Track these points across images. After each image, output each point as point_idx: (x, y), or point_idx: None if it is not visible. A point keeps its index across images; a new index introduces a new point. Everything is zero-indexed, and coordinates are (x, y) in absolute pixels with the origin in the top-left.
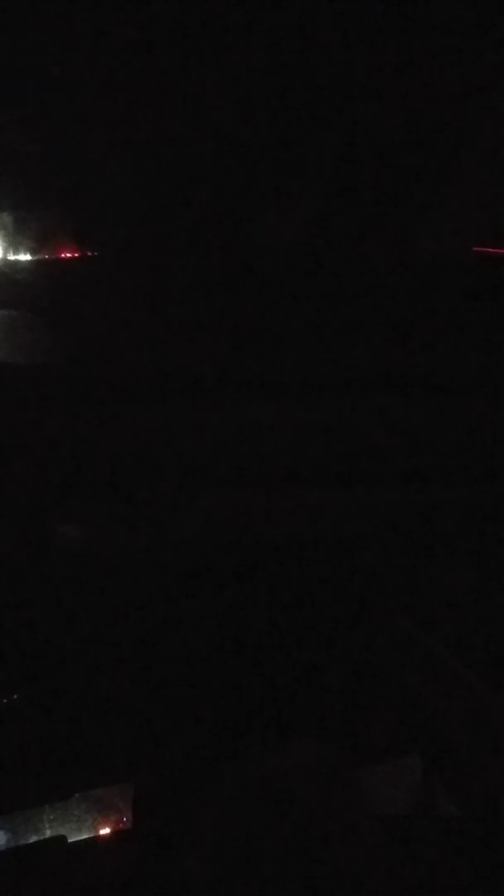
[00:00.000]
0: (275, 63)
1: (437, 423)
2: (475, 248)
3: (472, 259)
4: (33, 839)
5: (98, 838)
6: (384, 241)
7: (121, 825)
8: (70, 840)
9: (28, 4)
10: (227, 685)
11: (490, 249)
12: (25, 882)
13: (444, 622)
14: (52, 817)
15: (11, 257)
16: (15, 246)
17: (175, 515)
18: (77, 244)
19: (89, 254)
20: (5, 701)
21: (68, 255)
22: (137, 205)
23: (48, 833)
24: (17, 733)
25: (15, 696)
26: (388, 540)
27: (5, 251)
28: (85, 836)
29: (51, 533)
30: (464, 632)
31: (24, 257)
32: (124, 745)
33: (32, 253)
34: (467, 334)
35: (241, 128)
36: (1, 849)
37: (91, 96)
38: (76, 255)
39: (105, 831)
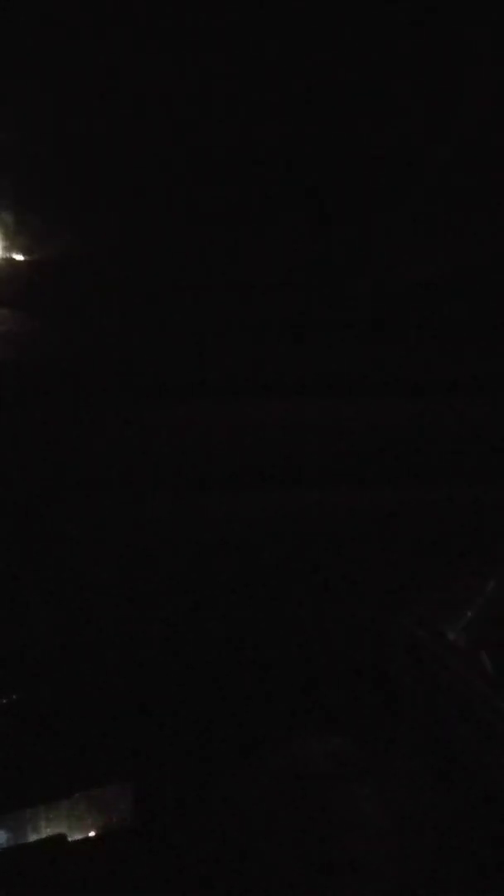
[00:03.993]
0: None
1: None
2: None
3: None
4: (33, 839)
5: (98, 838)
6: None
7: (121, 825)
8: (70, 839)
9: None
10: (232, 683)
11: None
12: (25, 881)
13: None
14: (52, 817)
15: (11, 257)
16: (15, 246)
17: (174, 516)
18: (77, 244)
19: (89, 253)
20: (5, 701)
21: (67, 254)
22: (137, 204)
23: (48, 832)
24: (18, 733)
25: (15, 696)
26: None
27: (5, 251)
28: (85, 835)
29: (50, 533)
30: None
31: (24, 257)
32: (124, 745)
33: (32, 253)
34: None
35: (245, 136)
36: (1, 848)
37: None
38: (75, 254)
39: (105, 831)
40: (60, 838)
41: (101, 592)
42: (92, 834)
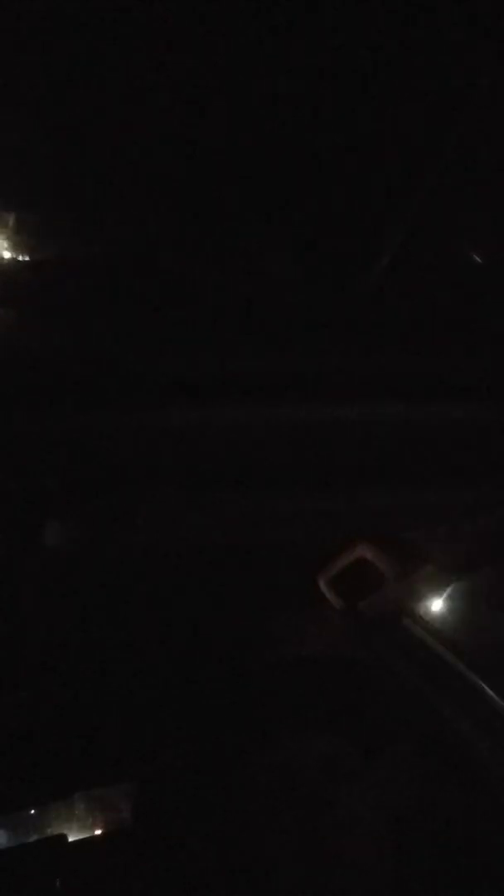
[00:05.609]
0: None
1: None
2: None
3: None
4: (33, 838)
5: (98, 838)
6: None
7: (121, 825)
8: (70, 839)
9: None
10: (232, 683)
11: None
12: (26, 881)
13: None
14: (52, 817)
15: (11, 257)
16: (15, 246)
17: (173, 518)
18: (76, 244)
19: (89, 253)
20: (5, 701)
21: (68, 254)
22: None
23: (48, 832)
24: (18, 733)
25: (15, 696)
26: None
27: (5, 251)
28: (85, 835)
29: (49, 534)
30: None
31: (24, 257)
32: (124, 745)
33: (32, 253)
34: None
35: (244, 136)
36: (1, 848)
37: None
38: (76, 254)
39: (105, 831)
40: (60, 838)
41: (100, 593)
42: (92, 834)
